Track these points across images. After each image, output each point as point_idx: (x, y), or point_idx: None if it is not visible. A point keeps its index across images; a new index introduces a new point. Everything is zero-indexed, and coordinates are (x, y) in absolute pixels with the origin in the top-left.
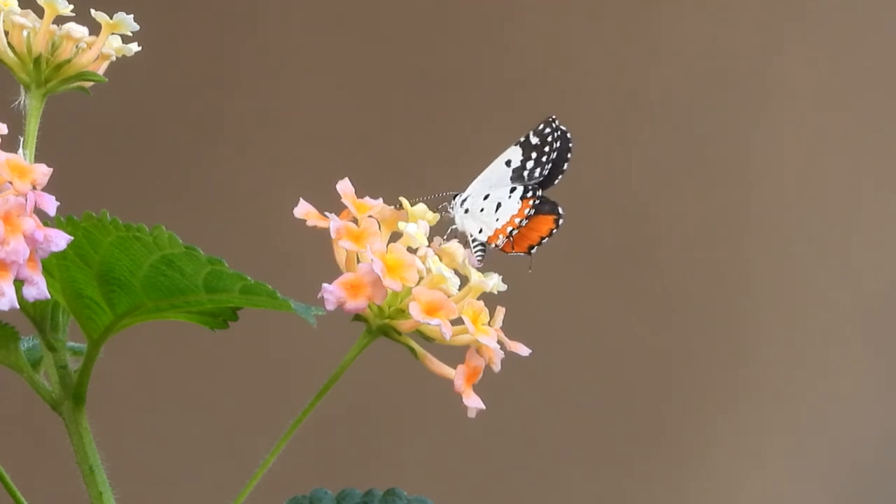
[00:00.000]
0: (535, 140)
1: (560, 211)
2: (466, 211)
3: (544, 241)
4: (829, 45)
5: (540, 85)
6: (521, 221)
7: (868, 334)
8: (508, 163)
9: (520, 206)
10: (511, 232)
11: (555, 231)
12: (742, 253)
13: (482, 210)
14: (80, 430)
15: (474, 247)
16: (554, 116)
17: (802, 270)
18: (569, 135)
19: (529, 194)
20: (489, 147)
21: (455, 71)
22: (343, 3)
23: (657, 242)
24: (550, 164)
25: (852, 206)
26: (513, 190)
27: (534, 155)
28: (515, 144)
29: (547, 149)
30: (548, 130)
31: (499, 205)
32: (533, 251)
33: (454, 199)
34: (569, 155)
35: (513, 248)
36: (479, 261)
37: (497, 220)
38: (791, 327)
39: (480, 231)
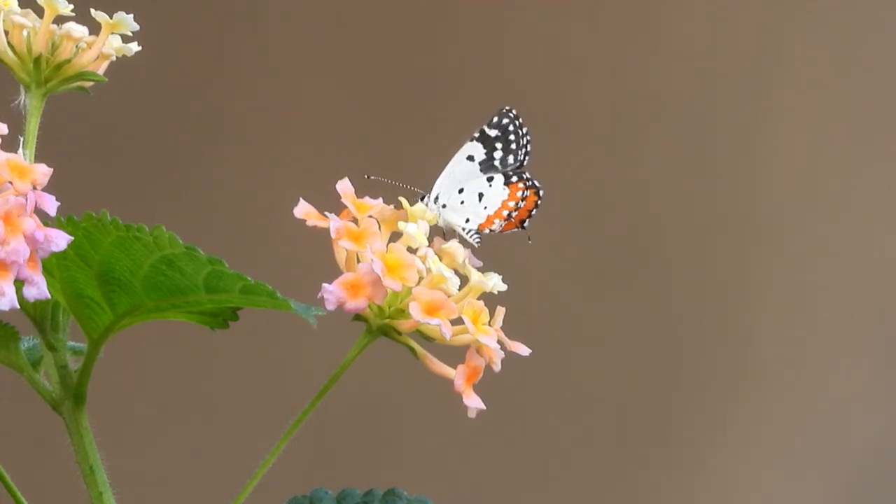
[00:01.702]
0: (493, 132)
1: (537, 184)
2: (444, 206)
3: (533, 213)
4: (830, 45)
5: (541, 85)
6: (516, 204)
7: (872, 336)
8: (471, 158)
9: (507, 191)
10: (509, 215)
11: (539, 203)
12: (745, 254)
13: (462, 202)
14: (80, 430)
15: (467, 234)
16: (508, 107)
17: (806, 272)
18: (521, 120)
19: (515, 179)
20: None
21: (455, 71)
22: (343, 3)
23: (658, 243)
24: (524, 150)
25: (855, 207)
26: (490, 179)
27: (499, 146)
28: (472, 140)
29: (513, 137)
30: (506, 121)
31: (481, 195)
32: (525, 225)
33: (422, 199)
34: (528, 142)
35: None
36: (477, 243)
37: (485, 207)
38: (794, 328)
39: (468, 220)
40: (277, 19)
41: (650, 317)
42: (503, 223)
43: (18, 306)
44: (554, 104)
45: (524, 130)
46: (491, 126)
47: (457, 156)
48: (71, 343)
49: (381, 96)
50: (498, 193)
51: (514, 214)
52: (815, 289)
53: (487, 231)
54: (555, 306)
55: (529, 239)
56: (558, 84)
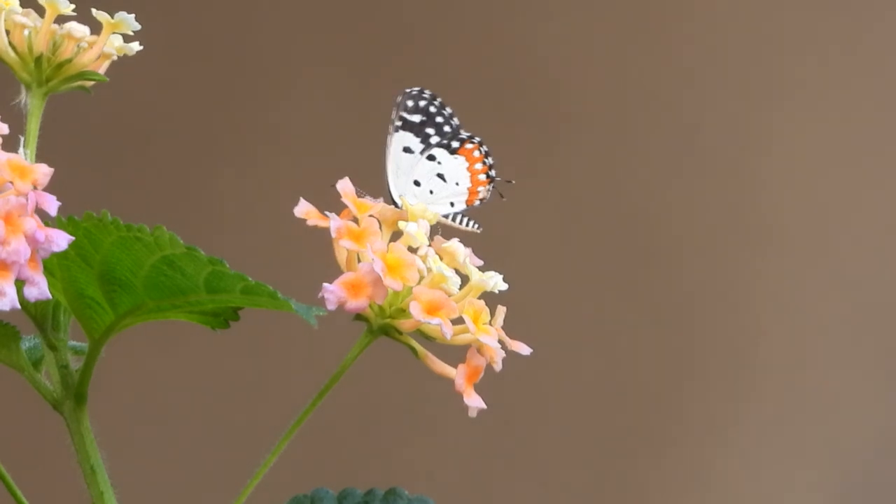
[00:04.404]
0: (416, 118)
1: (476, 138)
2: None
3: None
4: (840, 43)
5: (544, 84)
6: (487, 162)
7: (876, 340)
8: (408, 149)
9: (463, 157)
10: (489, 176)
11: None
12: (748, 256)
13: (431, 192)
14: (81, 430)
15: (462, 221)
16: (418, 88)
17: (808, 274)
18: (439, 98)
19: (457, 144)
20: (491, 145)
21: (456, 71)
22: (346, 5)
23: (662, 244)
24: (456, 125)
25: (862, 207)
26: (432, 158)
27: (431, 130)
28: (396, 132)
29: (440, 118)
30: (423, 103)
31: (441, 175)
32: (493, 182)
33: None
34: (453, 115)
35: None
36: (478, 229)
37: (457, 184)
38: (797, 331)
39: (453, 205)
40: (280, 19)
41: (653, 316)
42: (488, 188)
43: (19, 306)
44: (557, 103)
45: (447, 109)
46: (410, 112)
47: (391, 152)
48: (72, 343)
49: (384, 97)
50: (455, 165)
51: (492, 173)
52: (821, 289)
53: (478, 202)
54: (557, 305)
55: (503, 196)
56: (562, 84)
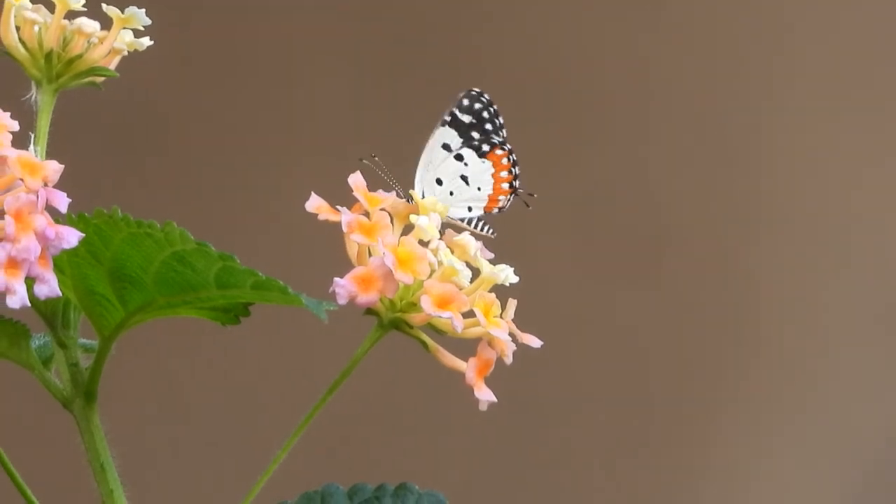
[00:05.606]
0: (466, 118)
1: (508, 146)
2: None
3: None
4: (843, 35)
5: (552, 79)
6: (514, 171)
7: (881, 332)
8: (446, 147)
9: (490, 163)
10: (512, 185)
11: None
12: (755, 249)
13: (451, 193)
14: (91, 428)
15: (477, 225)
16: (478, 90)
17: (815, 267)
18: (495, 105)
19: (487, 148)
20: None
21: (467, 66)
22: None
23: (670, 237)
24: (503, 128)
25: (866, 196)
26: (459, 157)
27: (476, 134)
28: (443, 125)
29: (490, 126)
30: (478, 106)
31: (464, 177)
32: (515, 193)
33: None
34: (503, 126)
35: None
36: (492, 234)
37: (479, 189)
38: (803, 324)
39: (470, 209)
40: (289, 13)
41: (661, 311)
42: (509, 197)
43: (29, 304)
44: (568, 98)
45: (500, 119)
46: (462, 110)
47: (430, 144)
48: (82, 340)
49: (394, 91)
50: (480, 169)
51: (516, 183)
52: (829, 285)
53: (496, 211)
54: (566, 297)
55: (529, 205)
56: (572, 78)
